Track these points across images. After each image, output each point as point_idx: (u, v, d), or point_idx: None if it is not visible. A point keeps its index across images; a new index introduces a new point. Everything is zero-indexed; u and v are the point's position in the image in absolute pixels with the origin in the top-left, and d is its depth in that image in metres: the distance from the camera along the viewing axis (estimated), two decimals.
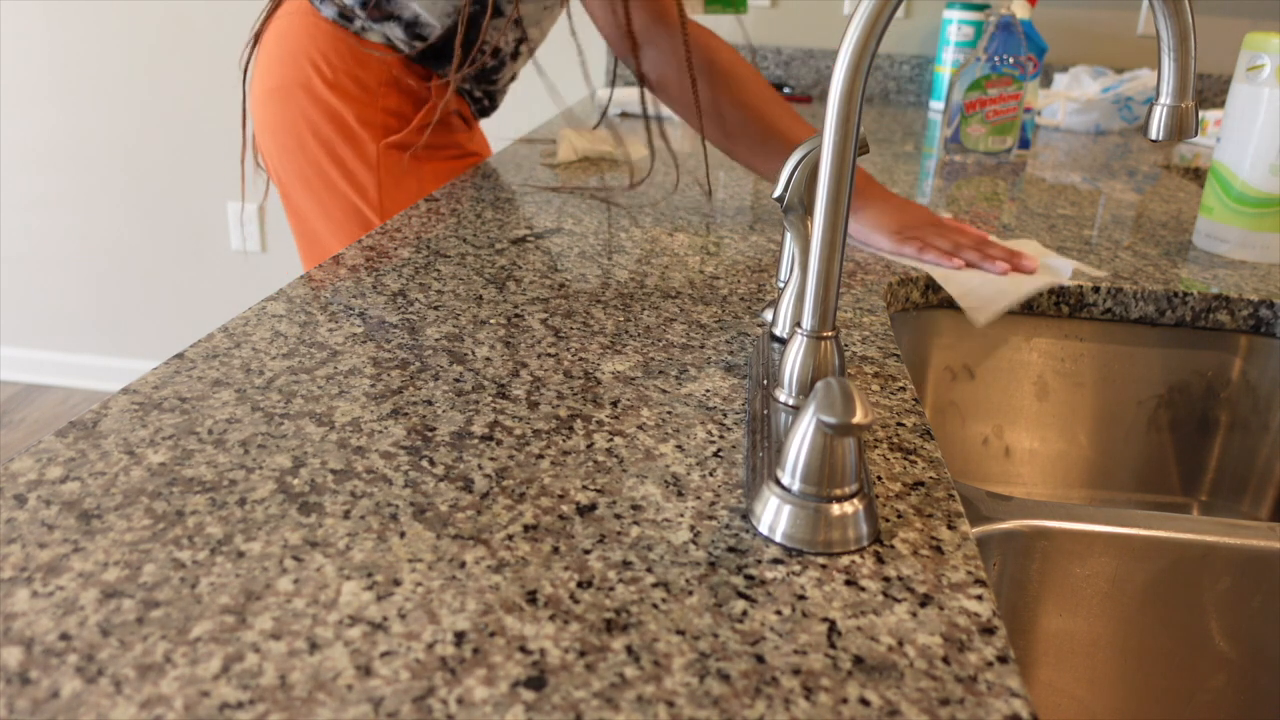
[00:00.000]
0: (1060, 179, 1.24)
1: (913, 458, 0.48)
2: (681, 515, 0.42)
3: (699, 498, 0.43)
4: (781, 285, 0.60)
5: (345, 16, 1.03)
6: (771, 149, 0.90)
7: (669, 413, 0.52)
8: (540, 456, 0.46)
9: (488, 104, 1.19)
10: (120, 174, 2.32)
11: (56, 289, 2.43)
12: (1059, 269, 0.81)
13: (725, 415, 0.52)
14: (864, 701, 0.32)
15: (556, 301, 0.68)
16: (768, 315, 0.67)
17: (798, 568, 0.38)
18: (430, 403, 0.51)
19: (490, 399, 0.52)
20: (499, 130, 1.87)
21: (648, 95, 1.00)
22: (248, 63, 1.11)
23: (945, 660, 0.34)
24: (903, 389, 0.56)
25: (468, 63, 1.03)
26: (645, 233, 0.86)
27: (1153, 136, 0.44)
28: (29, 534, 0.38)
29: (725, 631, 0.35)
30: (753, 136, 0.90)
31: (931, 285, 0.80)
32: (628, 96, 1.60)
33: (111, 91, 2.25)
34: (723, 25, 1.97)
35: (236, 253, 2.36)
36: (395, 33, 1.03)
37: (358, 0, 1.01)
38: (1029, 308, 0.80)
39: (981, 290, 0.78)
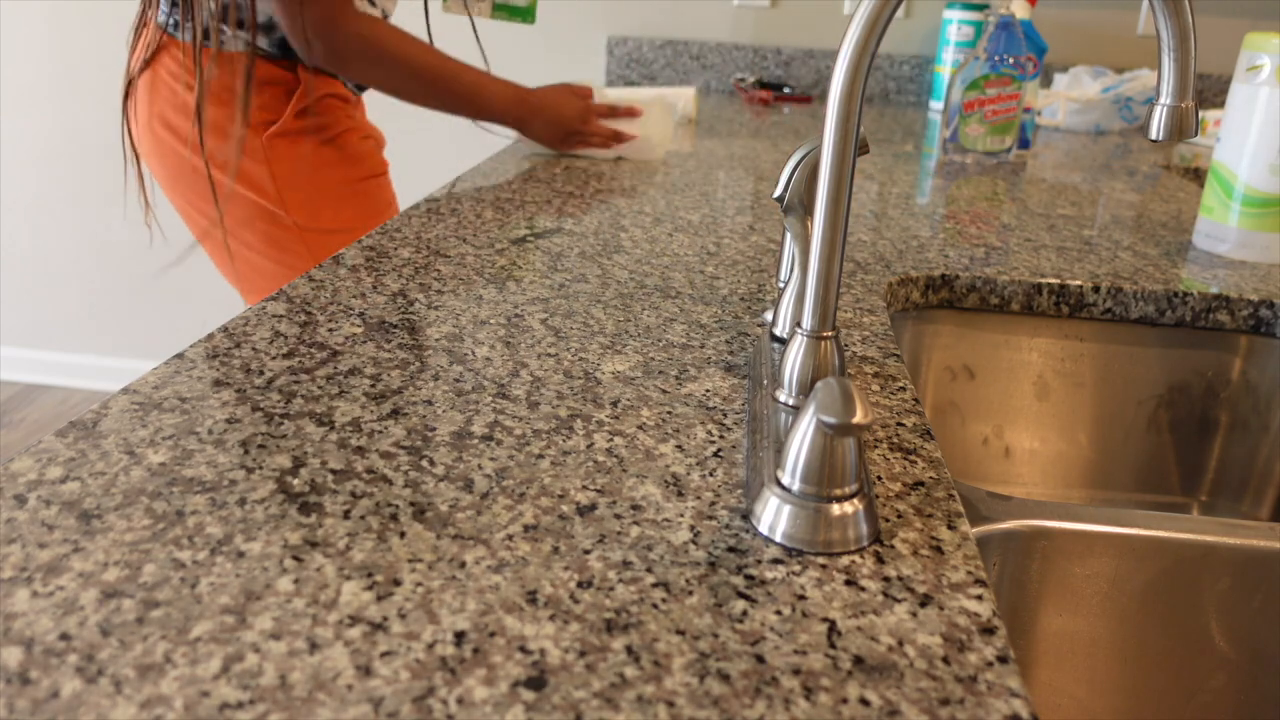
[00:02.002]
0: (1060, 179, 1.24)
1: (913, 458, 0.48)
2: (681, 515, 0.42)
3: (699, 498, 0.43)
4: (781, 285, 0.60)
5: (205, 34, 1.06)
6: (446, 101, 1.11)
7: (669, 413, 0.52)
8: (540, 456, 0.46)
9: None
10: (120, 174, 2.32)
11: (56, 289, 2.43)
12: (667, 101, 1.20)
13: (725, 415, 0.52)
14: (864, 701, 0.32)
15: (556, 301, 0.68)
16: (768, 315, 0.67)
17: (798, 568, 0.38)
18: (430, 403, 0.51)
19: (490, 399, 0.52)
20: None
21: None
22: (125, 107, 1.14)
23: (945, 660, 0.34)
24: (903, 389, 0.56)
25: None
26: (645, 233, 0.86)
27: (1153, 136, 0.44)
28: (29, 534, 0.38)
29: (725, 631, 0.35)
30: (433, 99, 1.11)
31: (931, 285, 0.80)
32: (628, 97, 1.59)
33: (112, 91, 2.25)
34: (723, 24, 1.97)
35: None
36: (255, 37, 1.07)
37: (218, 17, 1.05)
38: (1029, 308, 0.80)
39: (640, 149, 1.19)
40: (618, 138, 1.18)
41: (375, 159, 1.22)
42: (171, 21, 1.07)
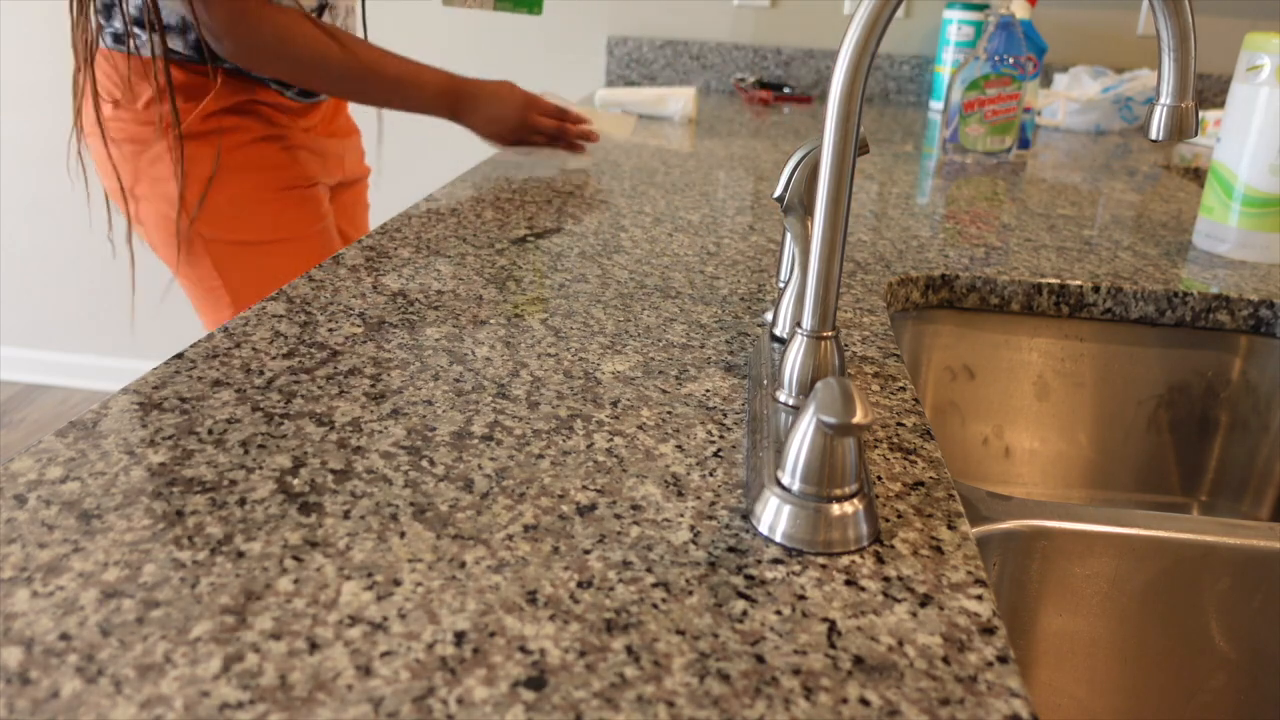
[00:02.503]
0: (1060, 179, 1.24)
1: (913, 458, 0.48)
2: (681, 515, 0.42)
3: (699, 498, 0.43)
4: (781, 285, 0.60)
5: (119, 40, 1.03)
6: (369, 92, 1.07)
7: (669, 413, 0.52)
8: (540, 456, 0.46)
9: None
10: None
11: (56, 289, 2.43)
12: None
13: (725, 415, 0.52)
14: (864, 701, 0.32)
15: (556, 301, 0.68)
16: (768, 315, 0.67)
17: (798, 568, 0.38)
18: (430, 403, 0.51)
19: (490, 399, 0.52)
20: None
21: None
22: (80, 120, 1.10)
23: (945, 660, 0.34)
24: (903, 389, 0.56)
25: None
26: (645, 233, 0.86)
27: (1153, 136, 0.44)
28: (29, 534, 0.38)
29: (725, 631, 0.35)
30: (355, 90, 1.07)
31: (931, 285, 0.80)
32: (627, 97, 1.60)
33: None
34: (723, 24, 1.97)
35: None
36: (169, 40, 1.02)
37: (134, 20, 1.01)
38: (1029, 308, 0.80)
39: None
40: (565, 131, 1.14)
41: (300, 169, 1.13)
42: (95, 26, 1.04)
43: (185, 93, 1.03)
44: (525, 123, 1.13)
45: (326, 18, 1.09)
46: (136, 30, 1.01)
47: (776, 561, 0.39)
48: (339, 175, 1.22)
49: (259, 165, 1.08)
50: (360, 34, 1.15)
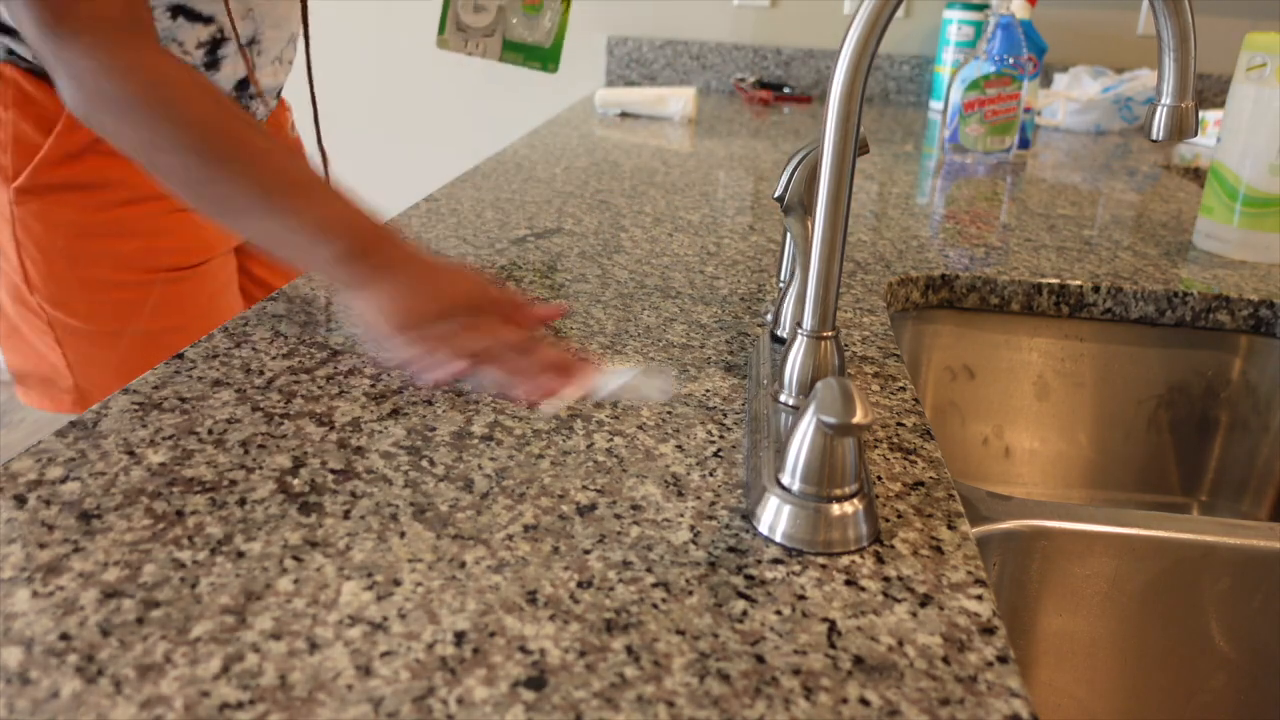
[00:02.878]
0: (1060, 179, 1.24)
1: (913, 458, 0.48)
2: (681, 515, 0.42)
3: (699, 498, 0.43)
4: (781, 285, 0.60)
5: None
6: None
7: (669, 413, 0.52)
8: (540, 456, 0.46)
9: None
10: None
11: None
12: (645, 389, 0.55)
13: (725, 415, 0.52)
14: (864, 701, 0.32)
15: (556, 301, 0.68)
16: (768, 315, 0.67)
17: (798, 568, 0.38)
18: (430, 403, 0.51)
19: (490, 399, 0.52)
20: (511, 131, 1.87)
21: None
22: None
23: (945, 660, 0.34)
24: (903, 389, 0.56)
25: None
26: (645, 233, 0.86)
27: (1153, 136, 0.44)
28: (29, 534, 0.38)
29: (725, 631, 0.35)
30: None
31: (931, 285, 0.80)
32: (627, 97, 1.60)
33: None
34: (723, 24, 1.97)
35: None
36: (10, 41, 0.75)
37: None
38: (1029, 308, 0.80)
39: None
40: (552, 379, 0.54)
41: (187, 241, 0.83)
42: None
43: (34, 112, 0.75)
44: (433, 330, 0.55)
45: (229, 58, 0.81)
46: None
47: (776, 561, 0.39)
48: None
49: (124, 234, 0.80)
50: (300, 81, 0.88)
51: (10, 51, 0.75)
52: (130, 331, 0.82)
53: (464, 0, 0.98)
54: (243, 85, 0.84)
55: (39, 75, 0.75)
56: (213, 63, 0.80)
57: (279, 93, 0.93)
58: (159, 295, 0.83)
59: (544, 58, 1.03)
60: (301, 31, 0.90)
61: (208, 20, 0.77)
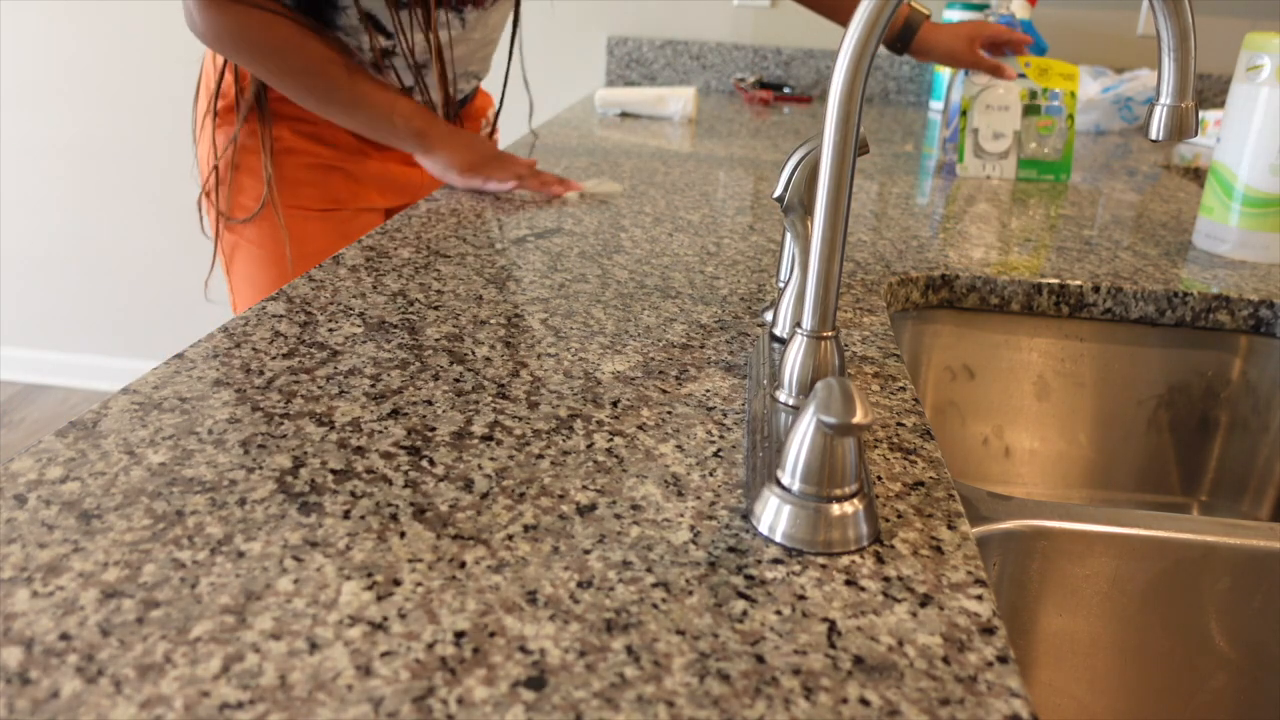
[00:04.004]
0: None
1: (913, 458, 0.48)
2: (681, 515, 0.42)
3: (699, 498, 0.43)
4: (781, 285, 0.60)
5: None
6: None
7: (669, 413, 0.52)
8: (540, 456, 0.46)
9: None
10: (120, 173, 2.32)
11: (56, 289, 2.43)
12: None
13: (725, 415, 0.52)
14: (864, 701, 0.32)
15: (556, 301, 0.68)
16: (768, 315, 0.67)
17: (798, 568, 0.38)
18: (430, 403, 0.51)
19: (490, 399, 0.52)
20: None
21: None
22: None
23: (945, 660, 0.34)
24: (903, 389, 0.56)
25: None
26: (645, 233, 0.86)
27: (1153, 136, 0.44)
28: (29, 534, 0.38)
29: (725, 631, 0.35)
30: None
31: (931, 285, 0.80)
32: (627, 97, 1.60)
33: (111, 91, 2.25)
34: (723, 24, 1.97)
35: None
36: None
37: None
38: (1029, 308, 0.80)
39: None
40: (538, 175, 0.99)
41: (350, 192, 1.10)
42: None
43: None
44: (497, 158, 0.99)
45: (399, 70, 1.03)
46: None
47: (776, 561, 0.39)
48: (403, 200, 1.15)
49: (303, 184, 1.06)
50: (440, 89, 1.06)
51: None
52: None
53: (984, 131, 1.16)
54: (408, 91, 1.05)
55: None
56: (381, 67, 1.02)
57: (464, 102, 1.16)
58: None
59: (1056, 170, 1.18)
60: (483, 69, 1.15)
61: (388, 34, 0.99)
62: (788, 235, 0.62)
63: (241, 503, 0.41)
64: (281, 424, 0.48)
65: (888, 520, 0.42)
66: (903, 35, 1.26)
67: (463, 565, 0.38)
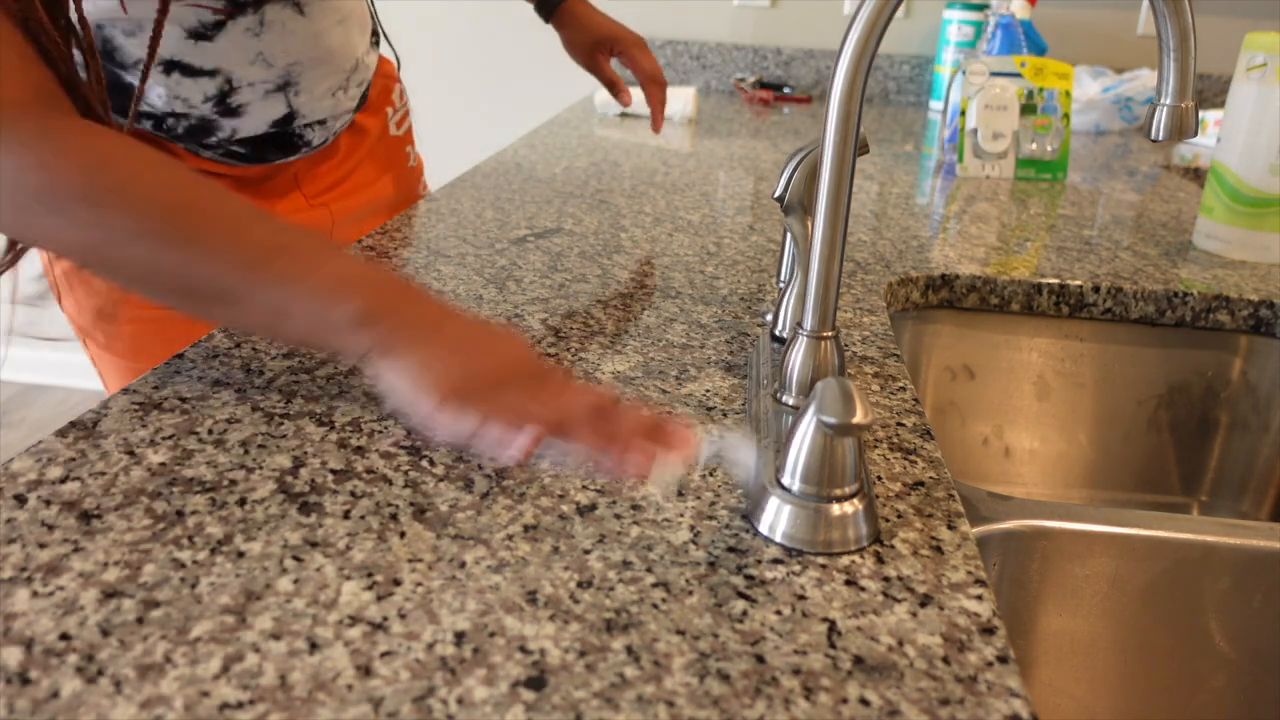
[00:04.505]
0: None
1: (913, 458, 0.48)
2: (681, 515, 0.42)
3: (699, 498, 0.43)
4: (781, 285, 0.60)
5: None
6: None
7: (669, 413, 0.52)
8: (540, 456, 0.46)
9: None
10: None
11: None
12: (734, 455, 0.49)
13: (725, 415, 0.52)
14: (864, 701, 0.32)
15: (556, 301, 0.68)
16: (768, 315, 0.67)
17: (798, 568, 0.38)
18: None
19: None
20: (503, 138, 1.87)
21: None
22: None
23: (945, 660, 0.34)
24: (903, 389, 0.56)
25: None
26: (645, 233, 0.86)
27: (1153, 136, 0.44)
28: (29, 534, 0.38)
29: (725, 631, 0.35)
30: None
31: (931, 285, 0.80)
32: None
33: None
34: (723, 24, 1.97)
35: None
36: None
37: None
38: (1029, 308, 0.80)
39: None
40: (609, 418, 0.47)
41: None
42: None
43: None
44: (485, 399, 0.46)
45: (254, 103, 0.76)
46: None
47: (776, 561, 0.39)
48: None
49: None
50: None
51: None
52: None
53: (984, 132, 1.18)
54: (285, 121, 0.80)
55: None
56: (230, 111, 0.76)
57: (355, 109, 0.89)
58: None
59: (1053, 169, 1.19)
60: (369, 59, 0.88)
61: (211, 73, 0.73)
62: (788, 235, 0.62)
63: (241, 503, 0.41)
64: (281, 424, 0.48)
65: (888, 520, 0.42)
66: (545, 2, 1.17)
67: (463, 565, 0.38)
